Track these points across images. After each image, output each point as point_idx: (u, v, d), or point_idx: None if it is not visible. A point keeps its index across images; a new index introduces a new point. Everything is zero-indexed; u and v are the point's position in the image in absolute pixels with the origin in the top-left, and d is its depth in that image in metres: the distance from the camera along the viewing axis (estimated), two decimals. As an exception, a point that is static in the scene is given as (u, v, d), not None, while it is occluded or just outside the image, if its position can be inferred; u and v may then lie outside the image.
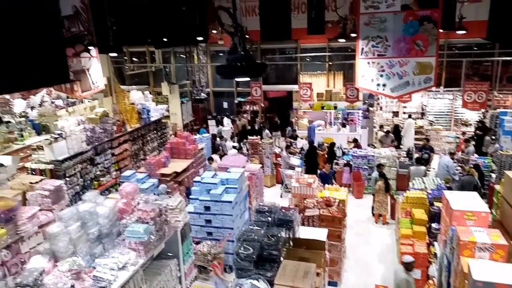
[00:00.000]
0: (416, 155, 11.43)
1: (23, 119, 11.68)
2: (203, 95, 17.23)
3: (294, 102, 16.22)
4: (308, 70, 16.89)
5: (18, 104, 13.16)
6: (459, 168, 10.26)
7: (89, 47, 8.75)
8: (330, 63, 16.38)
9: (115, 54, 10.94)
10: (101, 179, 9.52)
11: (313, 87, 15.14)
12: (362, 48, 7.00)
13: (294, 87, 16.41)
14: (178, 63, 18.60)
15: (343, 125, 15.04)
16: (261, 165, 9.25)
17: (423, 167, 10.06)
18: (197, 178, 7.39)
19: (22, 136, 10.52)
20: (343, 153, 12.15)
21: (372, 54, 6.94)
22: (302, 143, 13.22)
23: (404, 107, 15.27)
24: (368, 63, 7.02)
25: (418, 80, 6.87)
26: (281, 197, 10.85)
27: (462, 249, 3.95)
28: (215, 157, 10.95)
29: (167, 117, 14.29)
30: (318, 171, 10.63)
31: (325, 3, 11.77)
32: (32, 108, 13.25)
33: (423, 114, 15.06)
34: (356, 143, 12.79)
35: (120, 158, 10.28)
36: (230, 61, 3.78)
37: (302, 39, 15.52)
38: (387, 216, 9.53)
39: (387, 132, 13.46)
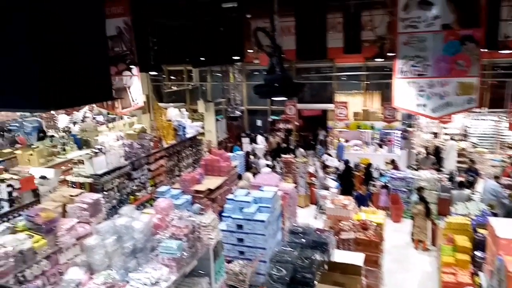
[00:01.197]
0: (458, 179, 10.93)
1: (66, 133, 12.23)
2: (237, 113, 17.42)
3: (329, 121, 16.06)
4: (344, 89, 16.73)
5: (62, 119, 13.84)
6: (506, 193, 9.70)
7: (131, 66, 9.08)
8: (367, 82, 16.15)
9: (155, 73, 11.30)
10: (137, 194, 9.72)
11: (349, 106, 14.94)
12: (401, 68, 6.85)
13: (329, 106, 16.27)
14: (214, 81, 18.97)
15: (380, 146, 14.67)
16: (295, 185, 9.13)
17: (466, 191, 9.58)
18: (230, 196, 7.39)
19: (64, 150, 10.99)
20: (381, 175, 11.81)
21: (411, 74, 6.77)
22: (335, 162, 12.99)
23: (445, 128, 14.73)
24: (407, 83, 6.84)
25: (460, 101, 6.60)
26: (315, 218, 10.63)
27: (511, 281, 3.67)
28: (248, 175, 10.94)
29: (202, 134, 14.52)
30: (354, 193, 10.37)
31: (362, 22, 11.69)
32: (75, 123, 13.88)
33: (465, 135, 14.45)
34: (393, 164, 12.42)
35: (156, 173, 10.49)
36: (267, 81, 3.80)
37: (338, 58, 15.44)
38: (427, 242, 9.09)
39: (428, 154, 13.00)
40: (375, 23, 12.96)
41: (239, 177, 10.33)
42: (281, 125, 17.66)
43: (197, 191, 8.53)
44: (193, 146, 12.42)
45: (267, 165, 12.78)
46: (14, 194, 6.97)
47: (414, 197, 9.42)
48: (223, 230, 6.28)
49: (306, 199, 11.76)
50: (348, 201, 7.54)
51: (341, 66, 16.64)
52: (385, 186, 10.93)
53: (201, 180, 9.08)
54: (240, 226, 6.56)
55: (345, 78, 16.82)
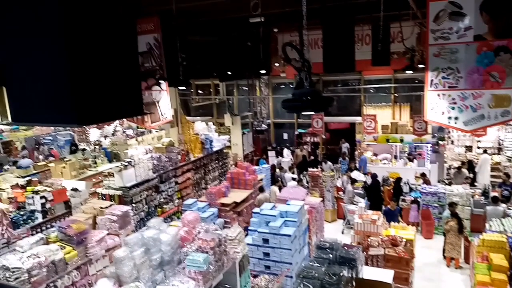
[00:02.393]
0: (492, 194, 10.48)
1: (97, 147, 12.60)
2: (263, 126, 17.46)
3: (357, 134, 15.83)
4: (372, 101, 16.49)
5: (93, 133, 14.29)
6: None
7: (160, 81, 9.32)
8: (396, 94, 15.88)
9: (184, 87, 11.53)
10: (164, 206, 9.84)
11: (377, 119, 14.71)
12: (432, 80, 6.69)
13: (357, 119, 16.06)
14: (241, 95, 19.16)
15: (410, 159, 14.30)
16: (321, 199, 9.01)
17: (501, 207, 9.16)
18: (256, 209, 7.36)
19: (95, 163, 11.31)
20: (411, 189, 11.48)
21: (442, 86, 6.60)
22: (362, 176, 12.74)
23: (479, 141, 14.22)
24: (438, 95, 6.67)
25: (494, 113, 6.36)
26: (342, 233, 10.42)
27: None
28: (274, 188, 10.89)
29: (229, 147, 14.62)
30: (383, 208, 10.11)
31: (391, 34, 11.56)
32: (106, 137, 14.29)
33: (500, 149, 13.89)
34: (424, 178, 12.05)
35: (183, 186, 10.60)
36: (296, 95, 3.80)
37: (366, 70, 15.29)
38: (460, 260, 8.72)
39: (459, 168, 12.56)
40: (405, 34, 12.79)
41: (261, 189, 10.30)
42: (308, 139, 17.55)
43: (223, 204, 8.54)
44: (219, 159, 12.51)
45: (293, 179, 12.69)
46: (47, 205, 7.21)
47: (446, 212, 9.08)
48: (249, 244, 6.25)
49: (333, 214, 11.56)
50: (377, 216, 7.35)
51: (369, 79, 16.45)
52: (415, 201, 10.61)
53: (227, 193, 9.10)
54: (266, 240, 6.51)
55: (373, 91, 16.60)
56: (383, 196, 11.27)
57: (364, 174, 13.00)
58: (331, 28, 8.74)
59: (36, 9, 2.11)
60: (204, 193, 9.27)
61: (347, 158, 14.98)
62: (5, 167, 11.29)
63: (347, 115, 16.96)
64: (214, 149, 12.05)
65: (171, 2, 7.08)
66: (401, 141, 14.59)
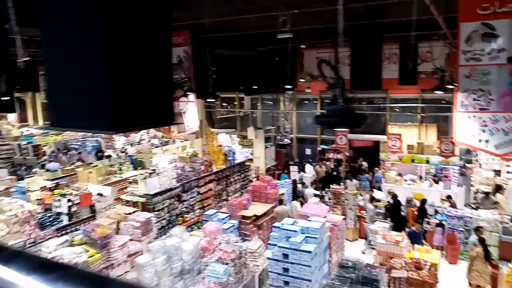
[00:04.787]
0: (523, 221, 10.07)
1: (123, 154, 12.87)
2: (286, 141, 17.46)
3: (381, 153, 15.60)
4: (397, 120, 16.27)
5: (119, 140, 14.64)
6: None
7: (187, 93, 9.50)
8: (423, 114, 15.63)
9: (212, 100, 11.69)
10: (186, 215, 9.92)
11: (402, 138, 14.48)
12: (462, 101, 6.56)
13: (382, 138, 15.85)
14: (265, 109, 19.27)
15: (436, 181, 13.96)
16: (343, 217, 8.89)
17: (532, 236, 8.80)
18: (276, 224, 7.33)
19: (121, 169, 11.54)
20: (436, 212, 11.17)
21: (473, 108, 6.46)
22: (381, 195, 12.50)
23: (508, 165, 13.75)
24: (469, 117, 6.52)
25: (527, 138, 6.17)
26: (363, 253, 10.20)
27: None
28: (296, 203, 10.83)
29: (251, 160, 14.67)
30: (407, 229, 9.86)
31: (419, 53, 11.46)
32: (131, 145, 14.60)
33: (531, 175, 13.39)
34: (450, 200, 11.72)
35: (205, 197, 10.67)
36: (330, 111, 3.82)
37: (392, 89, 15.14)
38: (487, 288, 8.37)
39: (487, 194, 12.15)
40: (434, 54, 12.65)
41: (280, 202, 10.24)
42: (331, 155, 17.41)
43: (244, 217, 8.54)
44: (241, 172, 12.55)
45: (316, 195, 12.58)
46: (73, 208, 7.39)
47: (473, 238, 8.77)
48: (268, 258, 6.22)
49: (354, 233, 11.35)
50: (401, 237, 7.18)
51: (395, 97, 16.27)
52: (440, 224, 10.30)
53: (248, 206, 9.11)
54: (286, 255, 6.45)
55: (398, 110, 16.39)
56: (406, 217, 11.00)
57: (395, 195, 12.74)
58: (359, 45, 8.75)
59: (78, 19, 2.23)
60: (225, 205, 9.31)
61: (366, 175, 14.79)
62: (34, 169, 11.68)
63: (371, 133, 16.77)
64: (237, 161, 12.12)
65: (202, 16, 7.27)
66: (427, 162, 14.28)
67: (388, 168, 15.11)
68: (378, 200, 11.74)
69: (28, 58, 8.26)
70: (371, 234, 10.03)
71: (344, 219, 9.16)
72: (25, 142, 14.26)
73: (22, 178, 9.94)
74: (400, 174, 14.60)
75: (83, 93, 2.25)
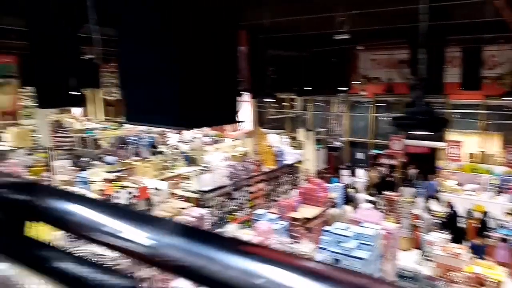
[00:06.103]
0: None
1: (177, 150, 13.27)
2: (337, 144, 17.13)
3: (439, 161, 14.85)
4: (457, 127, 15.37)
5: (172, 137, 15.11)
6: None
7: (241, 93, 9.60)
8: (486, 122, 14.68)
9: (271, 100, 11.68)
10: (236, 213, 10.03)
11: (463, 146, 13.69)
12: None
13: (440, 144, 15.07)
14: (316, 110, 19.03)
15: (499, 193, 13.04)
16: (398, 225, 8.55)
17: None
18: (327, 228, 7.19)
19: (174, 165, 11.91)
20: (499, 225, 10.45)
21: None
22: (436, 205, 11.88)
23: None
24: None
25: None
26: (418, 264, 9.74)
27: None
28: (347, 208, 10.59)
29: (300, 161, 14.54)
30: (468, 242, 9.31)
31: (482, 58, 10.81)
32: (184, 142, 15.02)
33: None
34: (514, 215, 10.91)
35: (255, 196, 10.74)
36: (409, 113, 3.66)
37: (452, 94, 14.36)
38: (557, 313, 7.69)
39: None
40: (500, 59, 11.87)
41: (333, 205, 10.05)
42: (384, 160, 16.82)
43: (294, 219, 8.49)
44: (291, 173, 12.49)
45: (368, 201, 12.23)
46: (132, 201, 7.73)
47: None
48: (319, 262, 6.12)
49: (408, 242, 10.87)
50: (461, 250, 6.78)
51: (455, 103, 15.40)
52: (504, 239, 9.61)
53: (297, 208, 9.04)
54: (337, 261, 6.32)
55: (459, 116, 15.51)
56: (464, 229, 10.39)
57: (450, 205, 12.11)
58: (418, 48, 8.41)
59: (153, 25, 2.33)
60: (274, 205, 9.31)
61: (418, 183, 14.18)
62: (93, 162, 12.36)
63: (428, 140, 15.97)
64: (287, 162, 12.08)
65: (260, 16, 7.31)
66: (490, 172, 13.39)
67: (446, 176, 14.34)
68: (434, 210, 11.18)
69: (93, 56, 8.74)
70: (427, 245, 9.56)
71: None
72: (86, 135, 15.14)
73: (83, 169, 10.57)
74: (460, 184, 13.80)
75: (159, 92, 2.35)
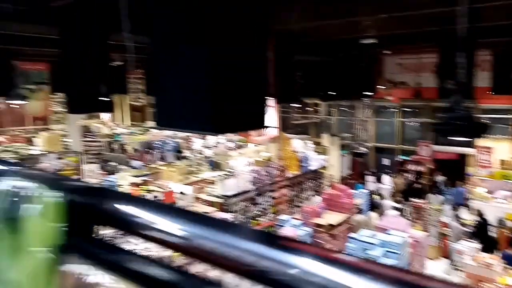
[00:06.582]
0: None
1: (201, 155, 13.41)
2: (363, 150, 16.88)
3: (468, 167, 14.41)
4: (488, 133, 14.91)
5: (197, 142, 15.28)
6: None
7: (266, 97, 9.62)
8: (519, 127, 14.17)
9: (298, 105, 11.64)
10: (259, 219, 10.02)
11: (493, 152, 13.25)
12: None
13: (469, 151, 14.63)
14: (341, 116, 18.84)
15: (532, 202, 12.52)
16: (427, 233, 8.34)
17: None
18: (353, 235, 7.10)
19: (198, 170, 12.02)
20: (533, 236, 10.03)
21: None
22: (465, 213, 11.50)
23: None
24: None
25: None
26: (447, 274, 9.47)
27: None
28: (373, 215, 10.40)
29: (324, 167, 14.40)
30: (501, 251, 8.97)
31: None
32: (209, 147, 15.16)
33: None
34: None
35: (278, 201, 10.69)
36: (447, 119, 3.56)
37: (482, 98, 13.93)
38: None
39: None
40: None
41: (359, 211, 9.89)
42: (411, 166, 16.44)
43: (319, 225, 8.42)
44: (315, 179, 12.39)
45: (395, 208, 11.98)
46: (158, 204, 7.84)
47: None
48: (345, 270, 6.03)
49: (436, 251, 10.57)
50: (494, 260, 6.54)
51: (485, 108, 14.94)
52: (538, 250, 9.21)
53: (321, 214, 8.95)
54: (363, 269, 6.21)
55: (489, 121, 15.02)
56: (495, 238, 10.03)
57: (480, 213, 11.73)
58: (449, 51, 8.21)
59: (186, 30, 2.37)
60: (297, 211, 9.26)
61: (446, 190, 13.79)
62: (120, 166, 12.63)
63: (457, 145, 15.54)
64: (311, 168, 11.99)
65: (288, 22, 7.30)
66: (522, 179, 12.88)
67: (475, 183, 13.89)
68: (464, 218, 10.85)
69: (121, 63, 8.95)
70: (456, 254, 9.28)
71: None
72: (114, 140, 15.52)
73: (111, 173, 10.81)
74: (490, 192, 13.33)
75: (188, 98, 2.39)
